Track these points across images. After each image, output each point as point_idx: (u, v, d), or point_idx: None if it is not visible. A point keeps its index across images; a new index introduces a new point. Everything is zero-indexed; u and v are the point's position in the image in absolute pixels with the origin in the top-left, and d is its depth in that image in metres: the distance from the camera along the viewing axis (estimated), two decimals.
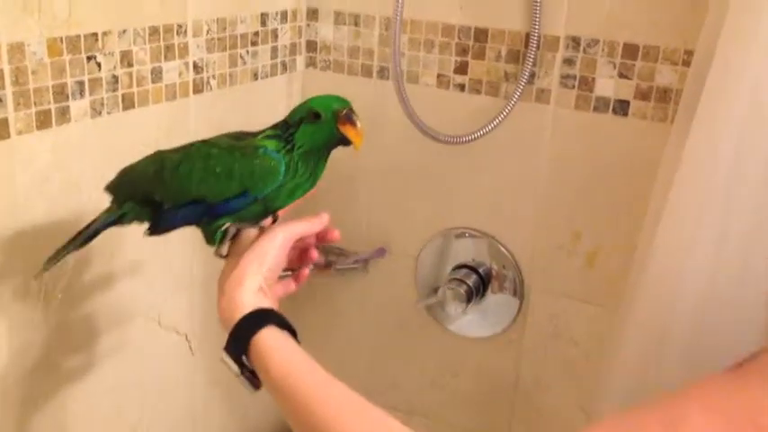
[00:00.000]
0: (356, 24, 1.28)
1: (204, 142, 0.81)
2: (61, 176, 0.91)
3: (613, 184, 1.15)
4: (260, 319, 0.68)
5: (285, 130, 0.79)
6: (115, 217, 0.82)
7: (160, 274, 1.11)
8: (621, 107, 1.12)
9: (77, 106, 0.91)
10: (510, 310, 1.28)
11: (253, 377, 0.68)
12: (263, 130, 0.81)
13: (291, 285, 0.82)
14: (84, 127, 0.93)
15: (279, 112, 1.28)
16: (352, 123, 0.76)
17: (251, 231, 0.80)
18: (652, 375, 1.02)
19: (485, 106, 1.20)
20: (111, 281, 1.04)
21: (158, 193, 0.80)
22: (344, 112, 0.76)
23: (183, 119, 1.09)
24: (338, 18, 1.29)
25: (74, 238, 0.83)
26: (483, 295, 1.28)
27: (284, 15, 1.25)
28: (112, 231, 0.84)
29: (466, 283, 1.25)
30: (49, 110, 0.87)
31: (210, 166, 0.77)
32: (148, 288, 1.10)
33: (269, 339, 0.67)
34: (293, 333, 0.70)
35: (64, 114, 0.90)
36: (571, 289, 1.22)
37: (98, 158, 0.96)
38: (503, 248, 1.26)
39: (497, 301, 1.29)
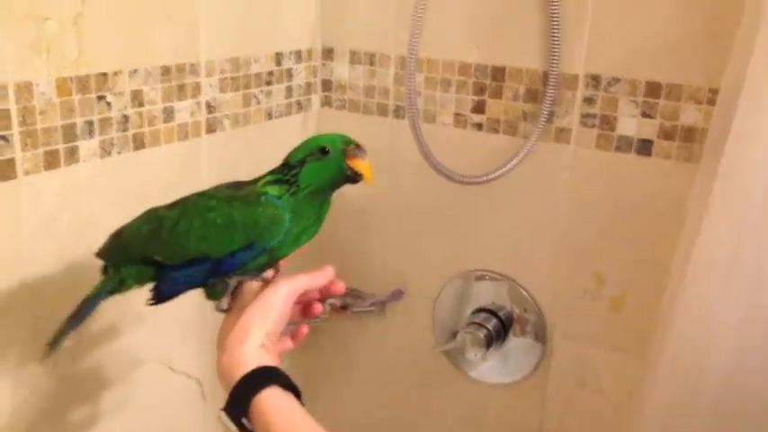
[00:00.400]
0: (371, 63, 1.26)
1: (201, 195, 0.77)
2: (70, 217, 0.90)
3: (638, 225, 1.11)
4: (263, 377, 0.65)
5: (287, 172, 0.75)
6: (114, 284, 0.79)
7: (170, 319, 1.09)
8: (644, 147, 1.09)
9: (87, 146, 0.90)
10: (532, 355, 1.23)
11: None
12: (263, 176, 0.77)
13: (288, 343, 0.78)
14: (94, 167, 0.91)
15: None
16: (362, 157, 0.75)
17: (253, 284, 0.77)
18: (683, 428, 0.97)
19: (503, 146, 1.17)
20: (119, 327, 1.01)
21: (158, 254, 0.76)
22: (353, 146, 0.75)
23: (195, 159, 1.07)
24: (353, 57, 1.28)
25: (73, 316, 0.79)
26: (504, 340, 1.24)
27: (299, 55, 1.24)
28: None
29: (485, 327, 1.21)
30: (58, 150, 0.86)
31: (210, 219, 0.74)
32: (158, 333, 1.07)
33: (271, 399, 0.64)
34: (297, 393, 0.67)
35: (73, 154, 0.88)
36: (596, 335, 1.17)
37: (108, 199, 0.94)
38: (523, 291, 1.22)
39: (519, 346, 1.24)
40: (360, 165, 0.75)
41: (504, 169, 1.12)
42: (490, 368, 1.27)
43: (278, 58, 1.19)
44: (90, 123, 0.89)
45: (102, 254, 0.80)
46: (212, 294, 0.77)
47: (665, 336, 0.95)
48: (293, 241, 0.75)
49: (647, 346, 1.04)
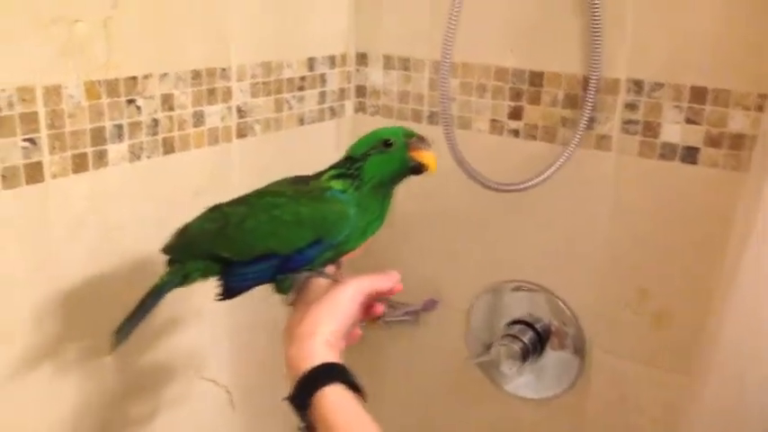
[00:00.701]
0: (406, 69, 1.24)
1: (265, 192, 0.77)
2: (98, 221, 0.89)
3: (683, 237, 1.06)
4: (327, 374, 0.66)
5: (350, 166, 0.75)
6: (179, 278, 0.79)
7: (203, 325, 1.07)
8: (690, 154, 1.04)
9: (116, 150, 0.89)
10: (570, 370, 1.19)
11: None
12: (326, 171, 0.78)
13: (341, 344, 0.76)
14: (123, 171, 0.91)
15: (327, 158, 1.24)
16: (426, 148, 0.75)
17: (320, 279, 0.77)
18: None
19: (541, 153, 1.14)
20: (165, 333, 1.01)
21: (225, 250, 0.76)
22: (416, 137, 0.76)
23: (226, 164, 1.06)
24: (387, 62, 1.25)
25: (140, 307, 0.80)
26: (540, 354, 1.20)
27: (332, 60, 1.22)
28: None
29: (521, 339, 1.17)
30: (86, 153, 0.85)
31: (278, 216, 0.74)
32: (191, 339, 1.06)
33: (332, 396, 0.64)
34: (360, 390, 0.67)
35: (101, 158, 0.87)
36: (638, 351, 1.13)
37: (138, 203, 0.93)
38: (561, 303, 1.18)
39: (556, 361, 1.20)
40: (424, 155, 0.75)
41: (542, 177, 1.09)
42: (526, 382, 1.23)
43: (310, 63, 1.18)
44: (119, 127, 0.88)
45: (167, 249, 0.81)
46: (281, 289, 0.77)
47: (711, 353, 0.91)
48: (359, 235, 0.76)
49: (689, 362, 0.99)
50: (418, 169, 0.75)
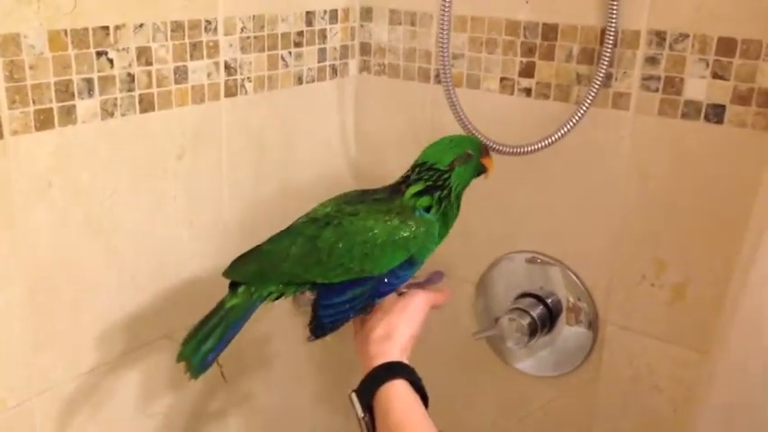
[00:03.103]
0: (412, 24, 1.16)
1: (345, 211, 0.80)
2: (66, 183, 0.84)
3: (706, 203, 0.97)
4: (398, 370, 0.72)
5: (437, 177, 0.80)
6: (257, 301, 0.80)
7: (187, 295, 1.02)
8: (716, 113, 0.95)
9: (85, 106, 0.83)
10: (583, 346, 1.11)
11: (372, 427, 0.71)
12: (404, 183, 0.82)
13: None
14: (95, 129, 0.85)
15: (329, 120, 1.20)
16: (489, 154, 0.87)
17: None
18: (748, 429, 0.85)
19: (554, 113, 1.05)
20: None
21: (316, 276, 0.78)
22: (485, 145, 0.88)
23: (213, 124, 1.00)
24: (393, 17, 1.18)
25: (221, 336, 0.79)
26: (551, 328, 1.12)
27: (334, 15, 1.15)
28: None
29: (529, 314, 1.09)
30: (51, 109, 0.80)
31: (371, 238, 0.77)
32: (172, 309, 1.01)
33: (398, 387, 0.70)
34: (424, 393, 0.73)
35: (69, 114, 0.82)
36: (654, 326, 1.04)
37: (112, 165, 0.88)
38: (574, 276, 1.10)
39: (568, 336, 1.12)
40: (490, 162, 0.86)
41: (553, 137, 1.00)
42: (537, 359, 1.15)
43: (309, 17, 1.10)
44: (89, 81, 0.83)
45: (236, 274, 0.81)
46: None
47: (730, 326, 0.83)
48: (437, 244, 0.82)
49: (710, 338, 0.91)
50: (480, 174, 0.85)
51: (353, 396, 0.73)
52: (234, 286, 0.81)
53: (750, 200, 0.85)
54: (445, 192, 0.81)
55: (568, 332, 1.12)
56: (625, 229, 1.04)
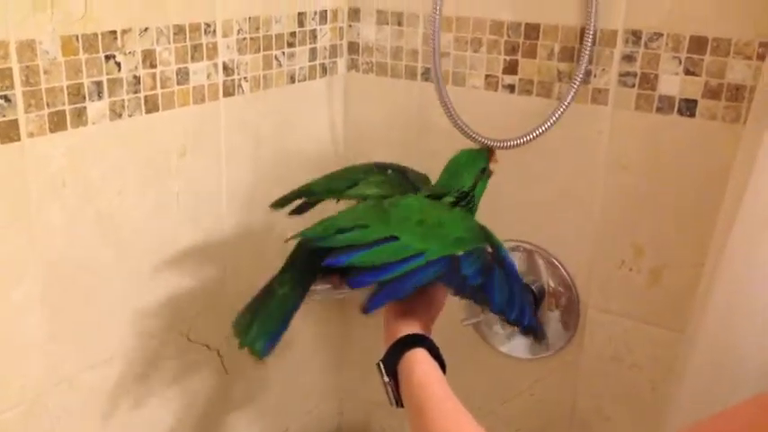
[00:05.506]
0: (399, 24, 1.20)
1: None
2: (78, 182, 0.87)
3: (680, 192, 1.04)
4: (420, 340, 0.79)
5: (465, 196, 0.90)
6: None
7: (191, 288, 1.06)
8: (688, 107, 1.01)
9: (95, 108, 0.87)
10: (565, 329, 1.18)
11: (396, 390, 0.78)
12: (447, 197, 0.90)
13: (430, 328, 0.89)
14: (104, 129, 0.89)
15: (320, 116, 1.24)
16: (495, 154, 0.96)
17: None
18: (724, 406, 0.91)
19: (537, 108, 1.11)
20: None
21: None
22: (490, 149, 0.96)
23: (212, 122, 1.03)
24: (380, 17, 1.22)
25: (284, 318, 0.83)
26: (535, 313, 1.18)
27: (323, 15, 1.19)
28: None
29: None
30: (64, 111, 0.83)
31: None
32: (177, 302, 1.05)
33: (419, 355, 0.77)
34: (442, 363, 0.79)
35: (80, 116, 0.85)
36: (633, 309, 1.11)
37: (120, 163, 0.92)
38: (556, 262, 1.16)
39: (551, 320, 1.18)
40: (496, 163, 0.96)
41: (536, 132, 1.06)
42: (521, 343, 1.21)
43: (300, 18, 1.15)
44: (98, 84, 0.86)
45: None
46: None
47: (705, 306, 0.89)
48: None
49: (686, 319, 0.97)
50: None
51: (381, 365, 0.79)
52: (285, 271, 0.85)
53: (721, 188, 0.92)
54: (471, 204, 0.91)
55: (552, 316, 1.18)
56: (604, 218, 1.10)
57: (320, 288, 0.84)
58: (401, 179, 0.96)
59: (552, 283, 1.17)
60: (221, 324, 1.11)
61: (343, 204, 0.93)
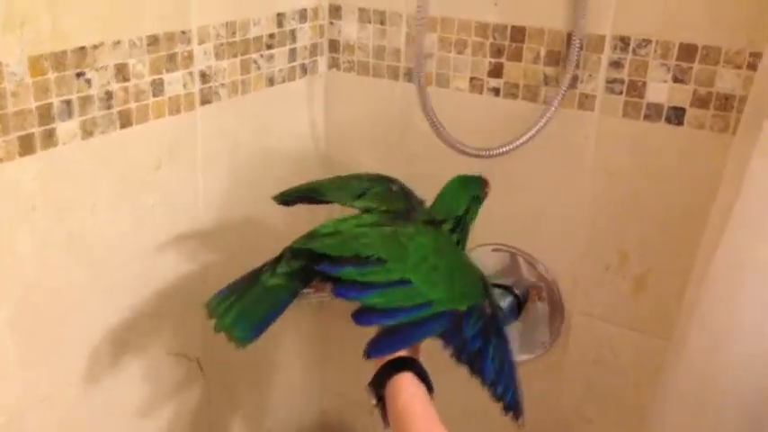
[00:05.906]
0: (382, 23, 1.17)
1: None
2: (48, 203, 0.84)
3: (666, 200, 1.02)
4: (407, 363, 0.80)
5: (458, 223, 0.91)
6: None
7: (168, 300, 1.04)
8: (676, 115, 0.99)
9: (65, 128, 0.83)
10: (549, 333, 1.17)
11: (384, 412, 0.78)
12: (445, 224, 0.90)
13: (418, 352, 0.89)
14: (75, 149, 0.85)
15: (300, 117, 1.21)
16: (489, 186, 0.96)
17: None
18: (709, 411, 0.91)
19: (522, 113, 1.09)
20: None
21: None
22: (486, 180, 0.96)
23: (188, 133, 1.00)
24: (362, 15, 1.18)
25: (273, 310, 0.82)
26: (518, 317, 1.17)
27: (303, 14, 1.15)
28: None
29: (499, 304, 1.14)
30: (33, 134, 0.80)
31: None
32: (155, 315, 1.02)
33: (406, 379, 0.78)
34: (430, 386, 0.80)
35: (50, 137, 0.82)
36: (618, 314, 1.11)
37: (92, 182, 0.88)
38: (541, 267, 1.15)
39: (535, 324, 1.18)
40: (487, 193, 0.96)
41: (522, 139, 1.03)
42: None
43: (279, 19, 1.11)
44: (68, 103, 0.83)
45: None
46: None
47: (692, 314, 0.89)
48: None
49: (670, 326, 0.97)
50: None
51: (368, 389, 0.80)
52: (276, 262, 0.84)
53: (708, 197, 0.91)
54: (464, 231, 0.92)
55: (536, 320, 1.18)
56: (590, 224, 1.09)
57: (311, 292, 0.85)
58: (404, 197, 0.96)
59: (537, 287, 1.16)
60: (199, 333, 1.09)
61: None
